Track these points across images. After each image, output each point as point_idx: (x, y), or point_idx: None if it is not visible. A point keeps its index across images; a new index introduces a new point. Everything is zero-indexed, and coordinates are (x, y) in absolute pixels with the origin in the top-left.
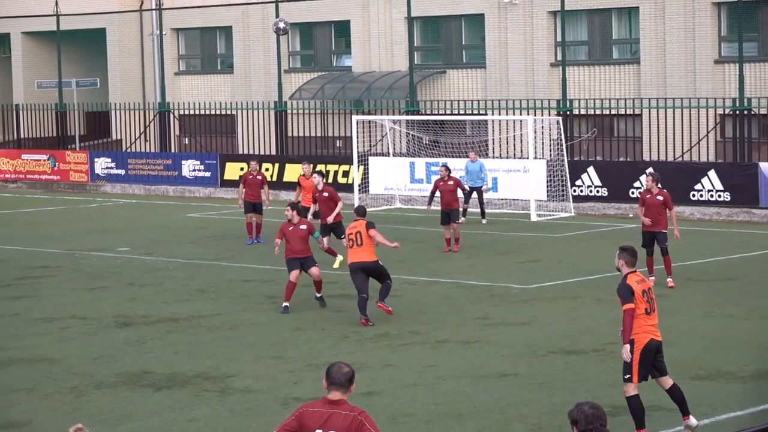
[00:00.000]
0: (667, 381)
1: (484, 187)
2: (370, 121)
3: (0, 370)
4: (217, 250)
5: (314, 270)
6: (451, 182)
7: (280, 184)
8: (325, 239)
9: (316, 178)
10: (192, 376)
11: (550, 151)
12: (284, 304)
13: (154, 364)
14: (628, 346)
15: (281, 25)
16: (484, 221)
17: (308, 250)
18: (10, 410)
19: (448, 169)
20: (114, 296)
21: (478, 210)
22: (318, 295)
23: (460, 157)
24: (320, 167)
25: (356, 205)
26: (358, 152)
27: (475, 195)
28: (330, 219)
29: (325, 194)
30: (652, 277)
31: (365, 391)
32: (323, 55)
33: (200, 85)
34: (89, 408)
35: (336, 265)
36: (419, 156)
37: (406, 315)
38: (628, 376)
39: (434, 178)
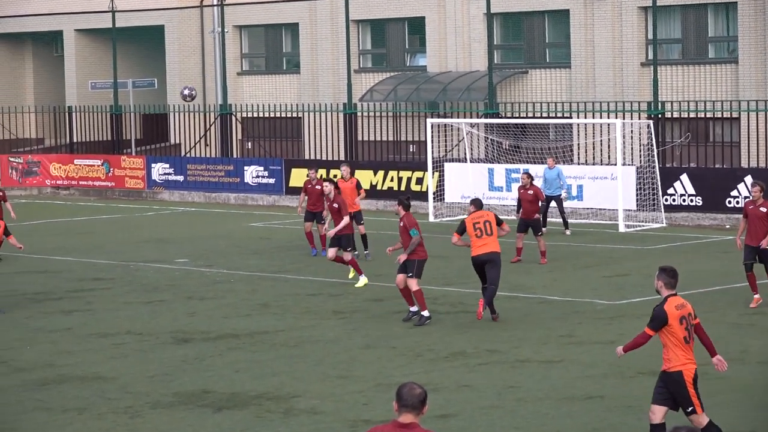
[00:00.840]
0: (663, 414)
1: (563, 195)
2: (445, 125)
3: (51, 389)
4: (282, 262)
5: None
6: (531, 191)
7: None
8: (331, 250)
9: (328, 187)
10: (254, 396)
11: (640, 156)
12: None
13: (214, 383)
14: (621, 349)
15: (186, 92)
16: (567, 232)
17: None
18: (62, 431)
19: (529, 176)
20: (172, 310)
21: (560, 220)
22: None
23: (542, 163)
24: (392, 174)
25: (430, 215)
26: (432, 158)
27: (553, 204)
28: (331, 233)
29: (335, 205)
30: (756, 295)
31: (440, 413)
32: (396, 54)
33: (264, 86)
34: (144, 429)
35: (360, 284)
36: (499, 162)
37: (484, 332)
38: (690, 408)
39: (515, 186)
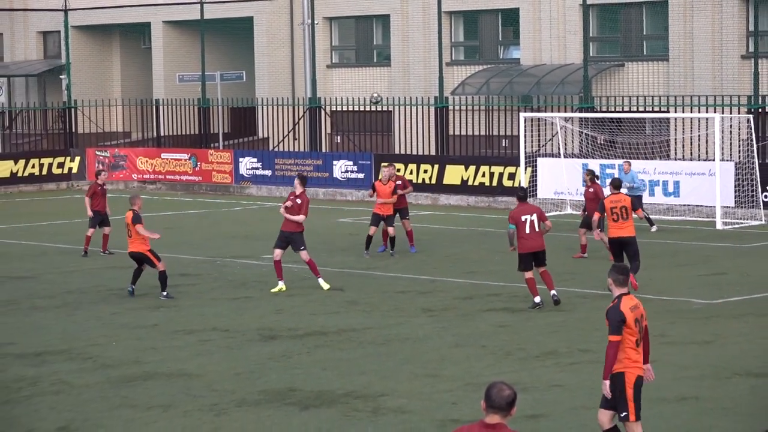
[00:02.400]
0: (610, 418)
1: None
2: (539, 119)
3: (137, 386)
4: (371, 259)
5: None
6: (591, 189)
7: (439, 187)
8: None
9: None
10: (341, 394)
11: (739, 152)
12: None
13: (301, 381)
14: (608, 382)
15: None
16: (653, 229)
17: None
18: (147, 428)
19: (590, 174)
20: (258, 307)
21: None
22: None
23: (638, 158)
24: (483, 169)
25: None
26: (525, 153)
27: None
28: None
29: (299, 201)
30: None
31: (530, 413)
32: (489, 47)
33: (354, 79)
34: (230, 427)
35: (325, 286)
36: (593, 157)
37: (577, 331)
38: (624, 414)
39: (608, 181)
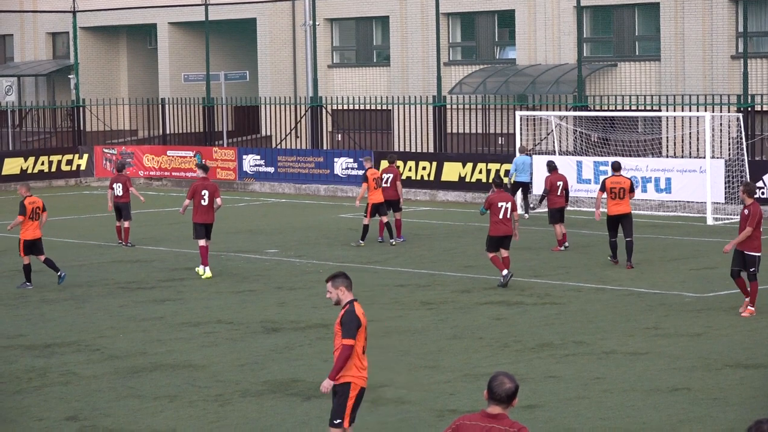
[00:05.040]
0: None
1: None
2: (534, 117)
3: (143, 376)
4: (370, 253)
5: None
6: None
7: (438, 184)
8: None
9: (198, 172)
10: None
11: (729, 150)
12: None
13: (303, 372)
14: (331, 382)
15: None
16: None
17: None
18: (154, 418)
19: (550, 164)
20: (262, 300)
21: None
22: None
23: (630, 155)
24: (480, 166)
25: (519, 207)
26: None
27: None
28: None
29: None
30: None
31: (526, 404)
32: (486, 47)
33: (355, 79)
34: (234, 417)
35: (205, 275)
36: (587, 155)
37: (571, 324)
38: (338, 421)
39: (603, 178)
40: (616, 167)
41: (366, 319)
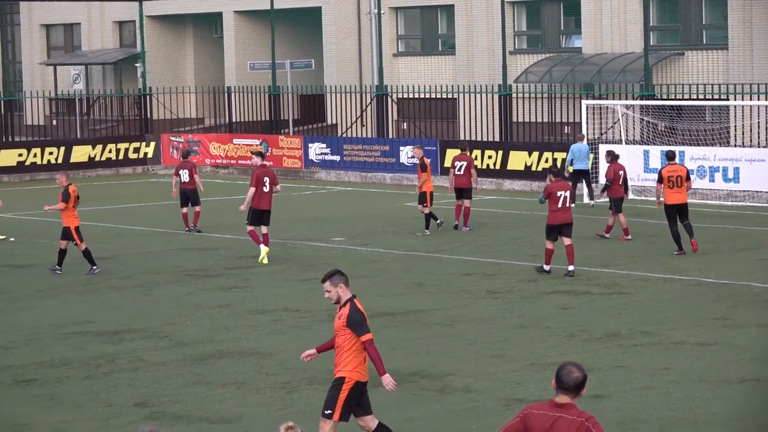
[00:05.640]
0: (373, 421)
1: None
2: (601, 106)
3: (211, 364)
4: (437, 242)
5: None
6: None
7: (503, 172)
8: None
9: (254, 159)
10: (409, 373)
11: None
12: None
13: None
14: (387, 374)
15: None
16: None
17: None
18: (222, 404)
19: (610, 155)
20: None
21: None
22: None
23: (698, 145)
24: (546, 155)
25: (585, 196)
26: (587, 139)
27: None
28: (242, 207)
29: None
30: None
31: (593, 393)
32: (551, 36)
33: (420, 67)
34: (301, 404)
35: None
36: (654, 144)
37: (638, 314)
38: (329, 412)
39: (659, 168)
40: (671, 156)
41: (366, 313)
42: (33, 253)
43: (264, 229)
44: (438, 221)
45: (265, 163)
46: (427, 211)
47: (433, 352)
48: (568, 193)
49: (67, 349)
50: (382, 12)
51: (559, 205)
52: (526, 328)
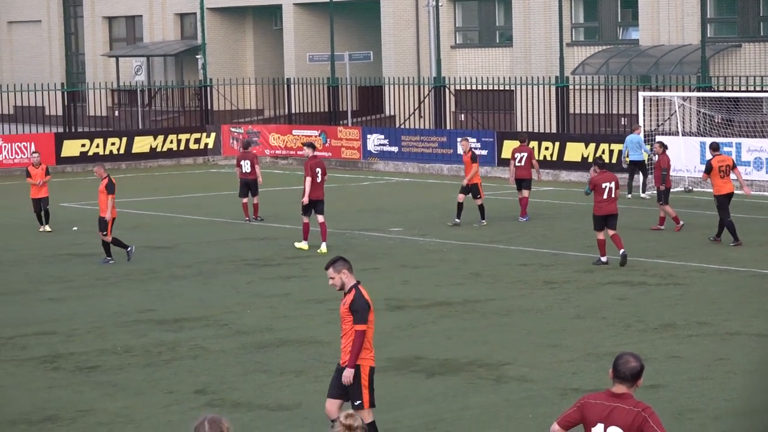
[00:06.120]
0: (338, 410)
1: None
2: (657, 98)
3: (270, 351)
4: (493, 233)
5: None
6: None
7: (560, 164)
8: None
9: (305, 150)
10: (466, 362)
11: None
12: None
13: (427, 350)
14: (351, 371)
15: None
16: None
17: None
18: (281, 392)
19: (661, 146)
20: (386, 278)
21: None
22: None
23: (755, 136)
24: (603, 147)
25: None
26: (644, 131)
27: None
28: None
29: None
30: None
31: (649, 384)
32: (608, 28)
33: (477, 59)
34: None
35: (300, 245)
36: (711, 135)
37: (694, 305)
38: (359, 402)
39: (707, 159)
40: (716, 147)
41: (372, 300)
42: (95, 242)
43: (320, 218)
44: (456, 221)
45: (316, 154)
46: (480, 202)
47: (489, 341)
48: (613, 185)
49: (129, 336)
50: (440, 4)
51: (605, 197)
52: (582, 319)
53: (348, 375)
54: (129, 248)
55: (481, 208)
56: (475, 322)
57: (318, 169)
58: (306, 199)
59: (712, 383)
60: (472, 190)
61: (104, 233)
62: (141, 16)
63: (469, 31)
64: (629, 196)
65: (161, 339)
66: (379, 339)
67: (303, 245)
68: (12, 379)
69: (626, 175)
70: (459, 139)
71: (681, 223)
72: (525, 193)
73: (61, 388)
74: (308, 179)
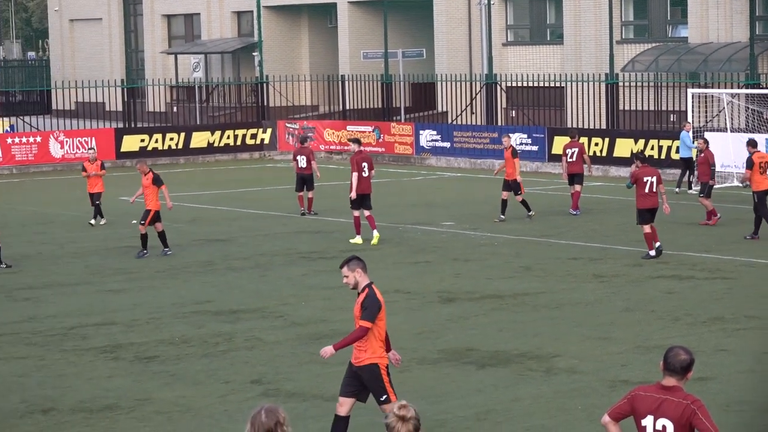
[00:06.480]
0: (349, 408)
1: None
2: (706, 95)
3: (325, 343)
4: (544, 227)
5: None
6: (703, 155)
7: (610, 159)
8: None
9: (352, 146)
10: (516, 354)
11: None
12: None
13: (478, 342)
14: (333, 351)
15: None
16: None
17: None
18: (335, 383)
19: (705, 142)
20: (438, 271)
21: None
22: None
23: None
24: (652, 143)
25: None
26: (693, 127)
27: None
28: (353, 195)
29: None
30: None
31: (697, 376)
32: (658, 26)
33: (528, 56)
34: (412, 383)
35: (354, 240)
36: (759, 132)
37: (742, 298)
38: (384, 397)
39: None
40: (755, 143)
41: (384, 301)
42: (153, 234)
43: (367, 212)
44: (501, 217)
45: (362, 149)
46: (520, 199)
47: (539, 334)
48: (654, 179)
49: (187, 327)
50: (492, 2)
51: (647, 190)
52: (631, 312)
53: (328, 351)
54: (167, 250)
55: (524, 203)
56: (525, 314)
57: (365, 164)
58: (354, 194)
59: (761, 376)
60: (513, 186)
61: (142, 223)
62: (199, 14)
63: (521, 28)
64: (677, 190)
65: (218, 330)
66: (431, 331)
67: (357, 240)
68: (73, 369)
69: (676, 171)
70: (501, 136)
71: (718, 216)
72: (577, 187)
73: (121, 377)
74: (355, 174)
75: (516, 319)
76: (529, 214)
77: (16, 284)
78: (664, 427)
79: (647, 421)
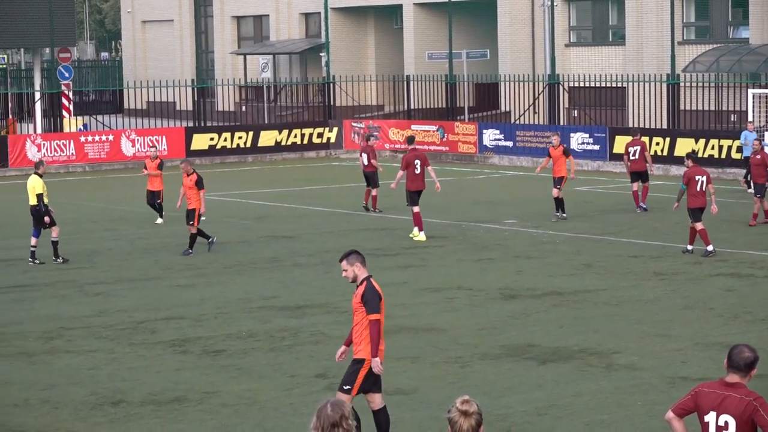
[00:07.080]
0: (381, 400)
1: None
2: (767, 96)
3: (388, 338)
4: (605, 225)
5: None
6: (759, 156)
7: (670, 159)
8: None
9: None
10: (577, 350)
11: None
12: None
13: (539, 338)
14: (377, 359)
15: None
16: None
17: None
18: (397, 377)
19: (759, 142)
20: (500, 268)
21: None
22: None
23: None
24: (713, 142)
25: None
26: (754, 127)
27: None
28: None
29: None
30: None
31: (757, 374)
32: (719, 27)
33: (590, 57)
34: (473, 378)
35: (418, 237)
36: None
37: None
38: (348, 387)
39: None
40: None
41: (383, 294)
42: (222, 232)
43: (415, 209)
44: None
45: (416, 146)
46: (556, 194)
47: (600, 330)
48: (704, 178)
49: (254, 322)
50: (555, 3)
51: (698, 189)
52: (690, 309)
53: (376, 364)
54: (211, 239)
55: (559, 201)
56: (586, 311)
57: (417, 161)
58: (394, 185)
59: None
60: (558, 182)
61: (191, 223)
62: (268, 15)
63: (583, 29)
64: (750, 190)
65: (284, 325)
66: (493, 327)
67: (421, 237)
68: (142, 362)
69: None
70: (551, 134)
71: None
72: (643, 184)
73: (189, 370)
74: (401, 172)
75: (576, 315)
76: (557, 214)
77: (88, 279)
78: (726, 423)
79: (710, 417)
